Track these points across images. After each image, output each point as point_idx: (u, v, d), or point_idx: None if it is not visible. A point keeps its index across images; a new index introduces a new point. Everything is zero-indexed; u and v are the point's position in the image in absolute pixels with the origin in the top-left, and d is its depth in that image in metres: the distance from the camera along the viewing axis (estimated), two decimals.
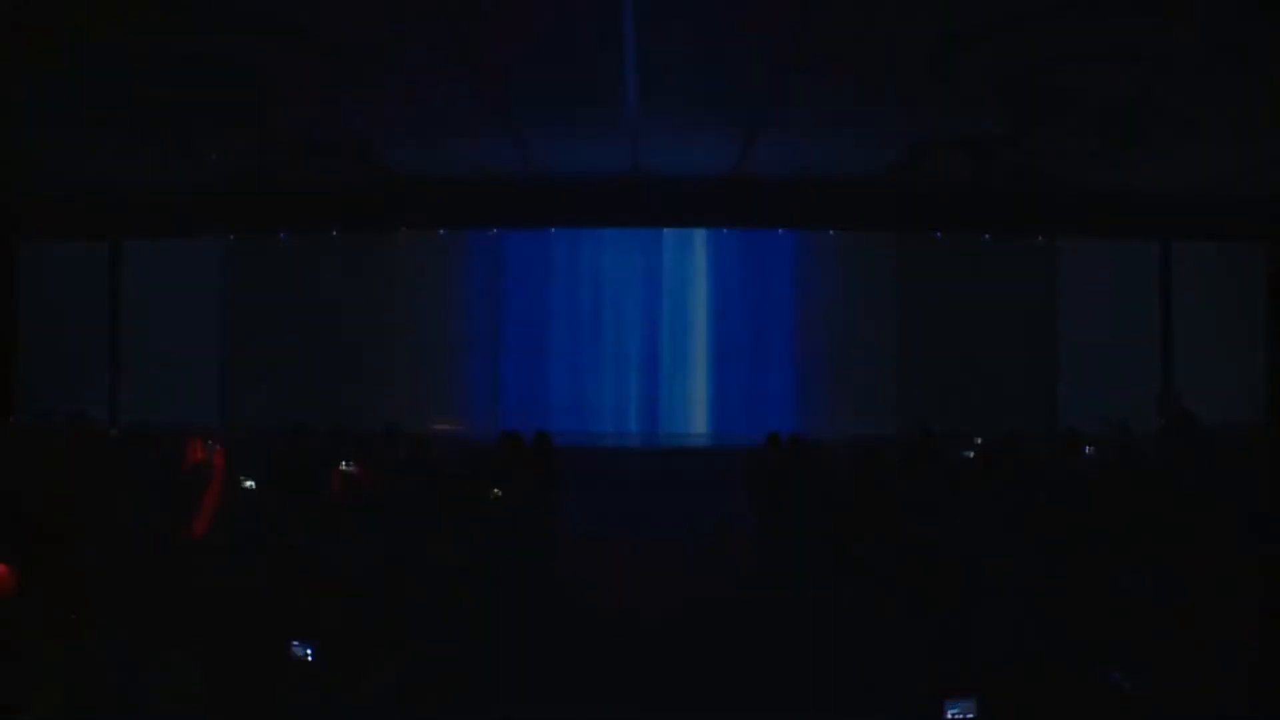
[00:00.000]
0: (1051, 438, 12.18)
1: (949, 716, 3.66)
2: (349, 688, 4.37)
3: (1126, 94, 9.50)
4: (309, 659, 3.99)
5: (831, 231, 14.87)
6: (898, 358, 14.81)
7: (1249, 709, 3.57)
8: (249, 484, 6.48)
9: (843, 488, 8.03)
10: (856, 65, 8.94)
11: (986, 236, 14.96)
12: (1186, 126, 10.55)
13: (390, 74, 9.15)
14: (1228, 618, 3.96)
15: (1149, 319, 14.81)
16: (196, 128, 10.95)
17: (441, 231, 15.01)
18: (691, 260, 15.11)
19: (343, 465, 7.91)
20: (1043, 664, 4.12)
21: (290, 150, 12.10)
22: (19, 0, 7.20)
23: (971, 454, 9.17)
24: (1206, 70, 8.58)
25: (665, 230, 14.83)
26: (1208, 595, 4.22)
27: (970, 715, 3.60)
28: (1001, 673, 4.18)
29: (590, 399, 14.82)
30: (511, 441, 8.86)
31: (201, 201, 14.55)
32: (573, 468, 10.37)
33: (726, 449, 13.14)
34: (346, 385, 14.76)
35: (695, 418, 14.77)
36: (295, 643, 3.99)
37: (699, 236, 14.99)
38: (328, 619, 4.34)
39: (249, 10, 7.57)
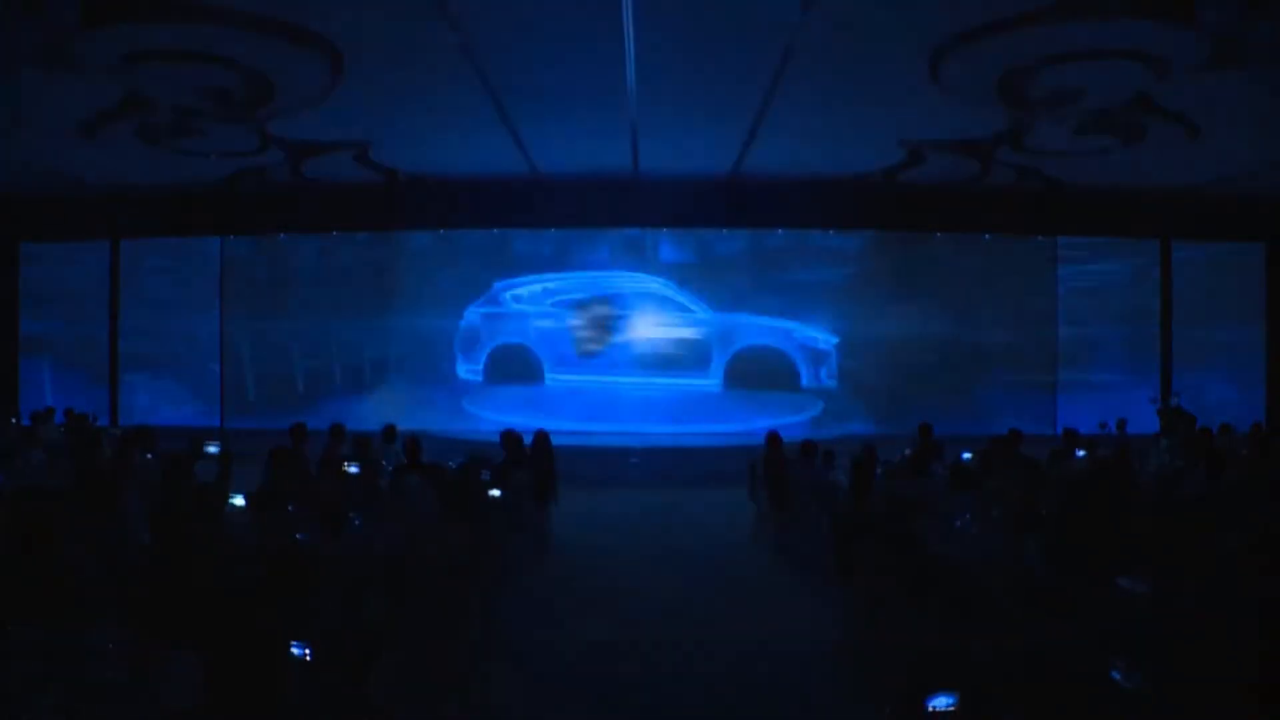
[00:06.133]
0: (1051, 438, 12.21)
1: (937, 709, 3.67)
2: (349, 687, 4.37)
3: (1127, 94, 9.52)
4: (309, 659, 3.99)
5: (831, 231, 14.88)
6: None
7: (1249, 709, 3.57)
8: (239, 501, 6.46)
9: (842, 486, 8.04)
10: (856, 64, 8.95)
11: (986, 236, 14.97)
12: (1186, 126, 10.57)
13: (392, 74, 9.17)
14: (1227, 618, 3.96)
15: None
16: (196, 128, 10.97)
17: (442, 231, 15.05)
18: None
19: (344, 465, 7.93)
20: (1041, 663, 4.12)
21: (290, 151, 12.12)
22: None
23: (970, 455, 9.15)
24: (1207, 70, 8.58)
25: None
26: (1207, 596, 4.23)
27: (952, 709, 3.61)
28: (998, 670, 4.18)
29: None
30: (511, 441, 8.88)
31: (201, 201, 14.60)
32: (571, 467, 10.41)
33: (727, 447, 13.14)
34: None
35: None
36: (295, 643, 3.99)
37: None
38: (328, 618, 4.34)
39: (249, 10, 7.57)
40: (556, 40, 8.29)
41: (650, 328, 14.89)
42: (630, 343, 14.92)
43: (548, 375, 15.07)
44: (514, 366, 15.10)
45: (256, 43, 8.19)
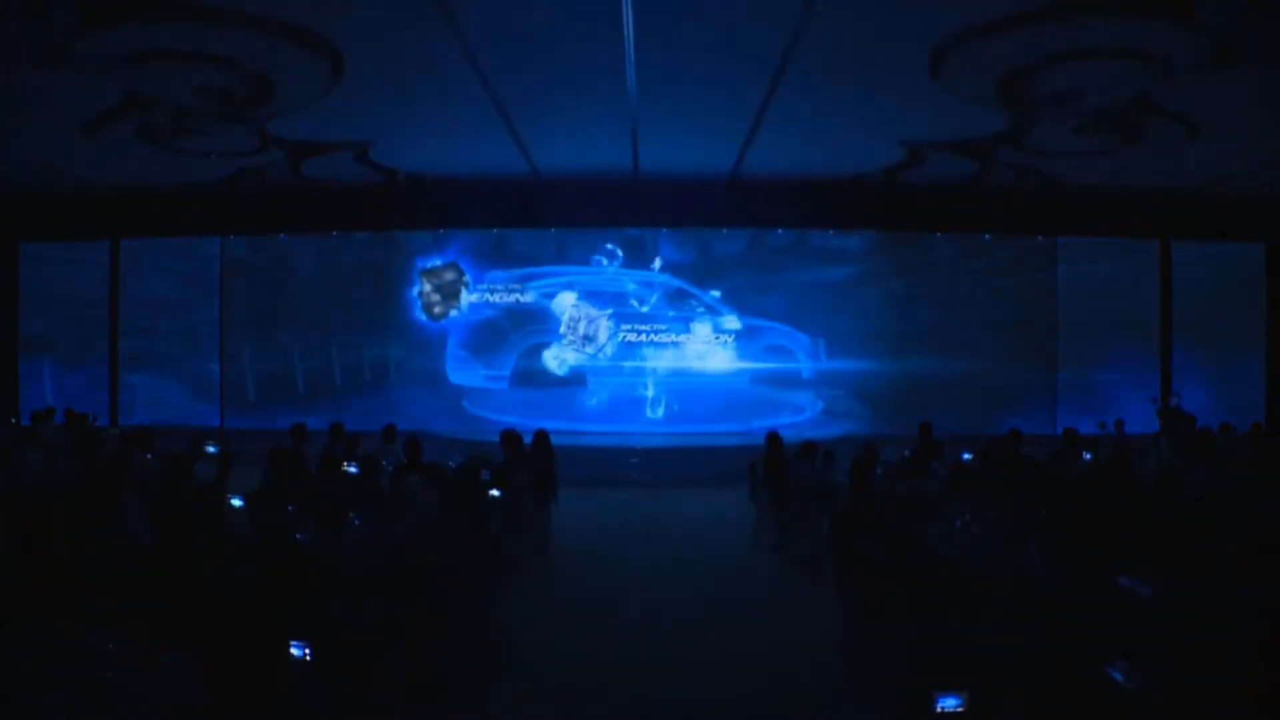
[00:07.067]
0: (1051, 438, 12.21)
1: (939, 709, 3.68)
2: (349, 687, 4.37)
3: (1127, 94, 9.52)
4: (309, 659, 3.99)
5: (831, 231, 14.88)
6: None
7: (1249, 710, 3.57)
8: (237, 502, 6.47)
9: (842, 486, 8.04)
10: (856, 64, 8.95)
11: (987, 236, 14.97)
12: (1186, 126, 10.57)
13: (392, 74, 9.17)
14: (1228, 619, 3.96)
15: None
16: (196, 128, 10.97)
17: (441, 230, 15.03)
18: None
19: (344, 465, 7.93)
20: (1041, 662, 4.12)
21: (290, 151, 12.12)
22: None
23: (970, 455, 9.15)
24: (1207, 70, 8.58)
25: None
26: (1208, 596, 4.22)
27: (960, 708, 3.62)
28: (999, 670, 4.18)
29: None
30: (511, 441, 8.87)
31: (201, 201, 14.60)
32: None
33: (727, 447, 13.14)
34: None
35: None
36: (295, 643, 3.99)
37: None
38: (328, 618, 4.34)
39: (249, 10, 7.57)
40: (557, 41, 8.29)
41: (684, 328, 14.84)
42: (668, 344, 14.82)
43: (590, 378, 14.89)
44: (552, 369, 14.91)
45: (257, 43, 8.19)
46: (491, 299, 14.88)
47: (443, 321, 14.96)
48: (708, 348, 14.81)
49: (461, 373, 14.99)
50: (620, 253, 14.92)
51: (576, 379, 14.86)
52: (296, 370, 15.16)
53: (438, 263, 14.95)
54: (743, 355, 14.81)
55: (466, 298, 14.86)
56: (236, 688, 3.74)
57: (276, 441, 8.57)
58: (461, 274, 14.88)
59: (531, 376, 14.88)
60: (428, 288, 14.91)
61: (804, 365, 14.83)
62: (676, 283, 14.85)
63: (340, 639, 4.31)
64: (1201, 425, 10.41)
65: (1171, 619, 4.10)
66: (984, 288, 14.93)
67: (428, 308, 14.91)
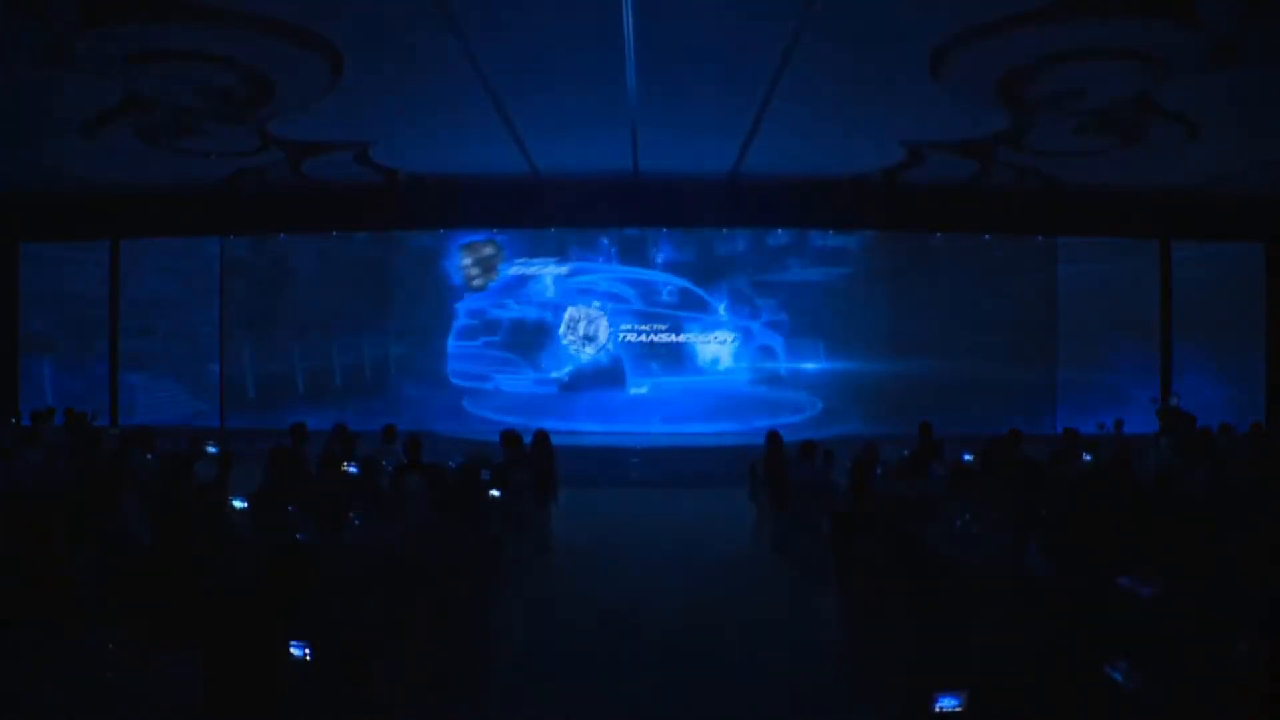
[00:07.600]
0: (1051, 438, 12.21)
1: (938, 709, 3.68)
2: (349, 687, 4.37)
3: (1127, 94, 9.52)
4: (309, 659, 3.99)
5: (830, 231, 14.89)
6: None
7: (1250, 710, 3.57)
8: (239, 504, 6.47)
9: (842, 486, 8.03)
10: (856, 64, 8.95)
11: (986, 236, 14.97)
12: (1186, 126, 10.57)
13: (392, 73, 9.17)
14: (1228, 619, 3.96)
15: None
16: (196, 128, 10.96)
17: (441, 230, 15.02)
18: None
19: (344, 465, 7.93)
20: (1041, 662, 4.12)
21: (290, 151, 12.12)
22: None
23: (970, 455, 9.15)
24: (1206, 70, 8.58)
25: None
26: (1208, 596, 4.22)
27: (959, 708, 3.62)
28: (999, 670, 4.18)
29: None
30: (511, 441, 8.87)
31: (201, 201, 14.60)
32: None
33: (727, 447, 13.14)
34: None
35: None
36: (295, 643, 3.99)
37: None
38: (328, 618, 4.34)
39: (249, 10, 7.57)
40: (557, 41, 8.29)
41: (684, 327, 14.88)
42: (668, 343, 14.85)
43: (629, 379, 14.86)
44: (603, 371, 14.89)
45: (256, 43, 8.19)
46: (528, 273, 14.94)
47: (458, 326, 15.01)
48: (708, 347, 14.83)
49: (506, 376, 15.00)
50: (619, 252, 14.94)
51: (617, 378, 14.84)
52: (296, 370, 15.17)
53: (476, 239, 15.10)
54: (742, 355, 14.84)
55: (506, 270, 14.98)
56: (236, 688, 3.73)
57: (276, 441, 8.57)
58: (499, 249, 15.00)
59: (582, 378, 14.88)
60: (468, 261, 15.05)
61: (784, 367, 14.88)
62: (677, 282, 14.86)
63: (340, 639, 4.30)
64: (1201, 425, 10.40)
65: (1171, 619, 4.10)
66: (984, 288, 14.94)
67: (469, 280, 15.06)
